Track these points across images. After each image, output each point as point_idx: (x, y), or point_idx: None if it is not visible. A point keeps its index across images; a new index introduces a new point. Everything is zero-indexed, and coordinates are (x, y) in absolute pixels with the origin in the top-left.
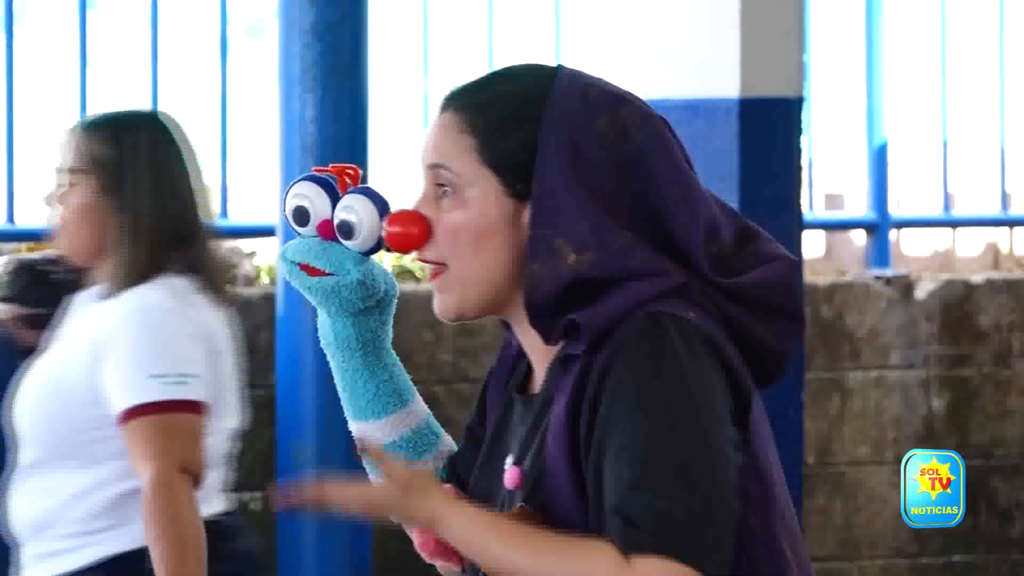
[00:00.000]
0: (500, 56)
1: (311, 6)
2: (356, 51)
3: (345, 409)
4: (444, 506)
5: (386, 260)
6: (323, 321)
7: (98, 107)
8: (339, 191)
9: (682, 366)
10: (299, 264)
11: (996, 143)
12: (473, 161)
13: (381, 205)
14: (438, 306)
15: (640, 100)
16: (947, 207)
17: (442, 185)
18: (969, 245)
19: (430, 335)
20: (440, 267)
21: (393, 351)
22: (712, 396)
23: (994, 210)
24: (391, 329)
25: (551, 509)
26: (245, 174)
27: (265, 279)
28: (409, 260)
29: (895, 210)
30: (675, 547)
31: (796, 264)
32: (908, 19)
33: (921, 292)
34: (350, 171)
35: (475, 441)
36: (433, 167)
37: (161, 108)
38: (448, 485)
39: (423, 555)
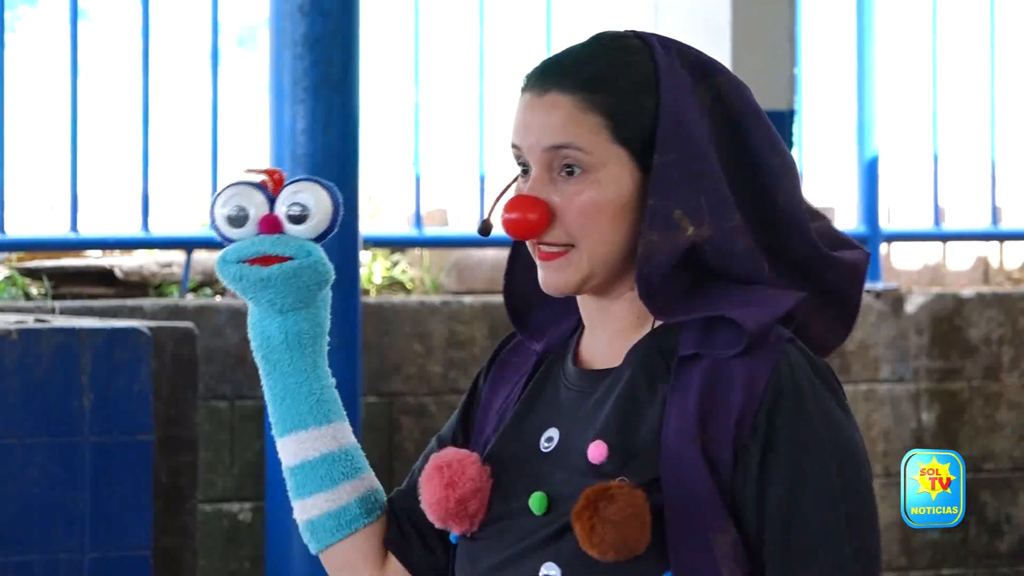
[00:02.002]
0: (491, 67)
1: (302, 18)
2: (347, 63)
3: (280, 421)
4: None
5: (376, 271)
6: (266, 323)
7: (90, 118)
8: (269, 190)
9: (849, 421)
10: (249, 260)
11: (987, 157)
12: (605, 140)
13: (329, 188)
14: (555, 281)
15: (727, 68)
16: (937, 221)
17: (567, 166)
18: (959, 259)
19: (420, 347)
20: (564, 248)
21: None
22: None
23: (984, 224)
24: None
25: (680, 488)
26: None
27: None
28: (400, 272)
29: (885, 223)
30: None
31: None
32: (899, 32)
33: (911, 306)
34: (276, 175)
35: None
36: (557, 148)
37: (152, 118)
38: None
39: (433, 516)
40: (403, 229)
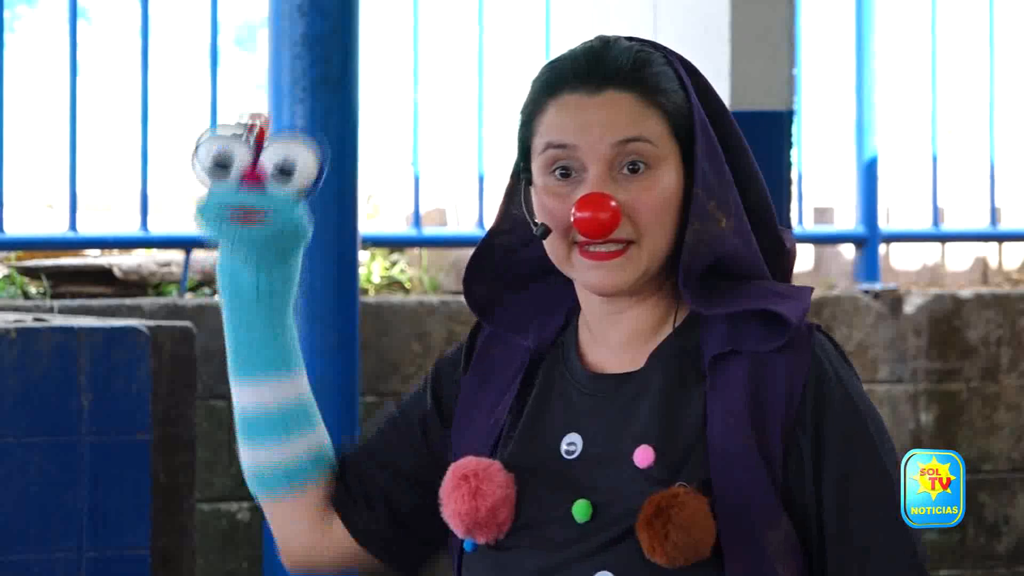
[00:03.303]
0: (490, 67)
1: (301, 17)
2: (346, 62)
3: (240, 366)
4: None
5: (375, 271)
6: (238, 275)
7: (88, 117)
8: (255, 140)
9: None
10: (232, 210)
11: (986, 158)
12: (667, 136)
13: (314, 146)
14: (614, 280)
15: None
16: (936, 221)
17: (634, 162)
18: (958, 259)
19: (418, 346)
20: (624, 245)
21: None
22: None
23: (983, 225)
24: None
25: (733, 487)
26: None
27: None
28: (398, 272)
29: (884, 224)
30: None
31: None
32: (898, 33)
33: (910, 306)
34: (259, 119)
35: (422, 428)
36: (627, 142)
37: (151, 117)
38: None
39: (460, 527)
40: (402, 229)
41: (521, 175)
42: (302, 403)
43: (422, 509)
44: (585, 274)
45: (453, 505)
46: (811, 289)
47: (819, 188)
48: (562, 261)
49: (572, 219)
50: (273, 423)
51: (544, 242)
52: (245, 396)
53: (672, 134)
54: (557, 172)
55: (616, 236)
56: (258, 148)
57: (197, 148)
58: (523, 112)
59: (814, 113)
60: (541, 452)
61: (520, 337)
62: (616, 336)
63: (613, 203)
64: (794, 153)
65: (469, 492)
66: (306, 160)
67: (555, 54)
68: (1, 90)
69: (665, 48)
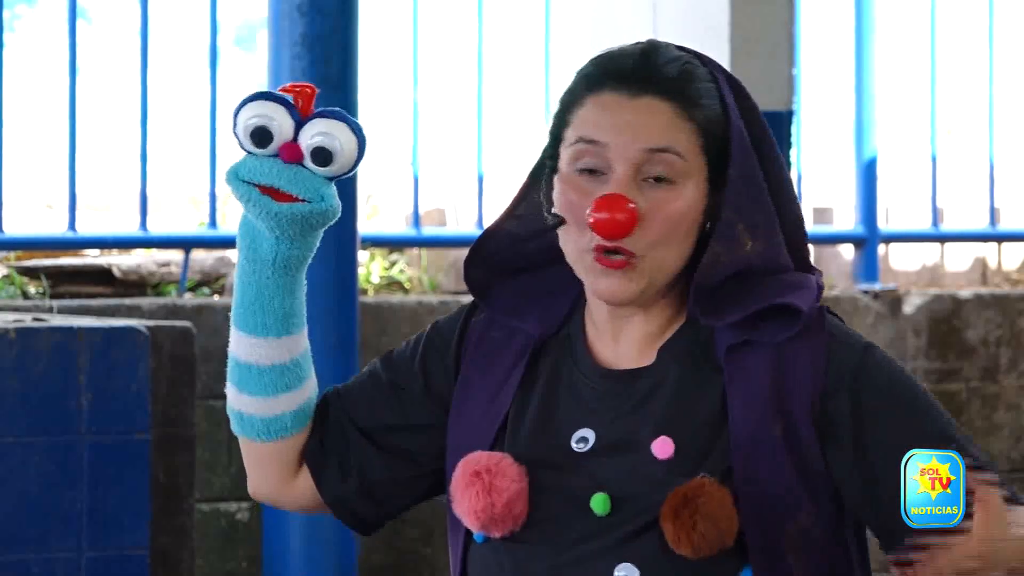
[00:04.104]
0: (490, 67)
1: (301, 17)
2: (346, 63)
3: (242, 318)
4: None
5: (374, 271)
6: (260, 242)
7: (88, 117)
8: (299, 113)
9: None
10: (261, 186)
11: (985, 158)
12: (697, 152)
13: (359, 132)
14: (619, 290)
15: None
16: (936, 222)
17: (659, 171)
18: (957, 260)
19: None
20: (630, 256)
21: None
22: None
23: (983, 225)
24: None
25: (756, 476)
26: None
27: None
28: (398, 272)
29: (883, 224)
30: None
31: None
32: (898, 33)
33: (909, 307)
34: (307, 90)
35: (405, 396)
36: (656, 151)
37: (150, 117)
38: None
39: (474, 523)
40: (401, 229)
41: (547, 162)
42: (296, 361)
43: (394, 480)
44: (595, 280)
45: (467, 502)
46: (820, 273)
47: (818, 188)
48: (575, 260)
49: (589, 219)
50: (264, 379)
51: (558, 233)
52: (242, 347)
53: (703, 151)
54: (583, 167)
55: (626, 247)
56: (300, 120)
57: (238, 111)
58: (561, 101)
59: (813, 113)
60: (551, 446)
61: (519, 321)
62: (624, 336)
63: (630, 205)
64: (793, 153)
65: (483, 488)
66: (347, 143)
67: (555, 55)
68: (1, 90)
69: (713, 63)
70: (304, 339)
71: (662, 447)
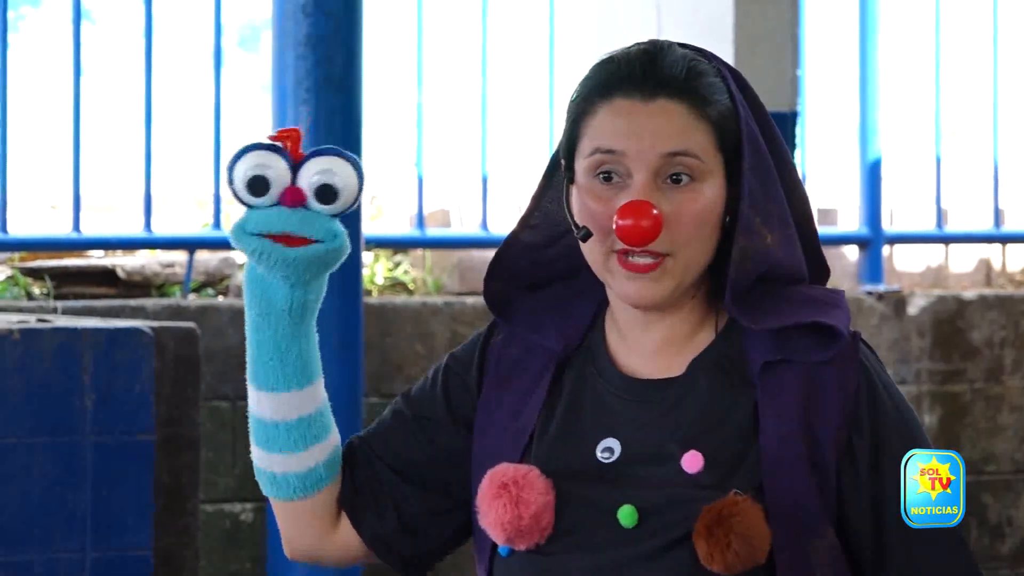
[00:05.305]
0: (494, 68)
1: (305, 18)
2: (349, 63)
3: (260, 375)
4: None
5: (378, 272)
6: (272, 291)
7: (92, 118)
8: (291, 157)
9: None
10: (273, 236)
11: (989, 159)
12: (713, 149)
13: (356, 165)
14: (651, 293)
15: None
16: (940, 223)
17: (678, 174)
18: (962, 261)
19: (422, 348)
20: (659, 257)
21: None
22: None
23: (987, 226)
24: None
25: (785, 495)
26: None
27: None
28: (402, 273)
29: (888, 225)
30: None
31: None
32: (903, 34)
33: (913, 308)
34: (294, 133)
35: (431, 427)
36: (674, 155)
37: (154, 118)
38: None
39: (500, 535)
40: (405, 230)
41: (564, 172)
42: (319, 411)
43: (430, 513)
44: (622, 285)
45: (494, 514)
46: (843, 292)
47: (823, 189)
48: (599, 267)
49: (614, 226)
50: (292, 434)
51: (582, 244)
52: (264, 406)
53: (718, 147)
54: (601, 176)
55: (654, 248)
56: (296, 161)
57: (232, 166)
58: (572, 109)
59: (818, 114)
60: (576, 456)
61: (539, 336)
62: (650, 343)
63: (655, 211)
64: (797, 154)
65: (511, 501)
66: (348, 177)
67: (559, 57)
68: (5, 91)
69: (717, 58)
70: (323, 388)
71: (691, 461)
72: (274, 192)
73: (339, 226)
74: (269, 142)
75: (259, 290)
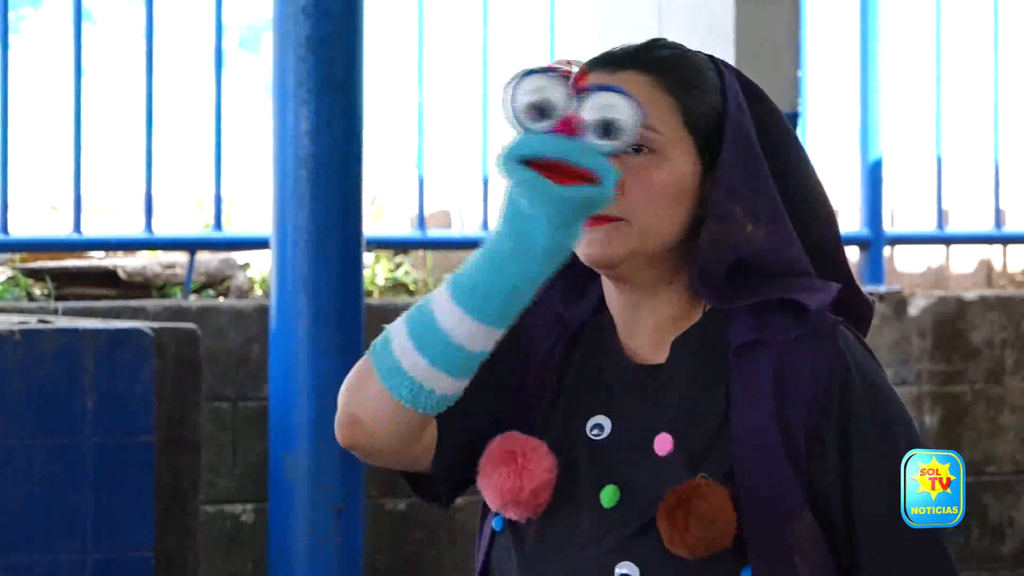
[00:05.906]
0: (495, 69)
1: (306, 19)
2: (350, 64)
3: (477, 300)
4: None
5: (379, 273)
6: (535, 230)
7: (93, 119)
8: (571, 83)
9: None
10: (544, 164)
11: (990, 160)
12: (677, 122)
13: (636, 101)
14: (600, 250)
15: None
16: (941, 224)
17: (637, 144)
18: (963, 262)
19: None
20: (616, 219)
21: None
22: None
23: (988, 227)
24: None
25: (757, 479)
26: (239, 186)
27: (258, 291)
28: (403, 274)
29: (889, 226)
30: None
31: None
32: (903, 35)
33: (914, 308)
34: (584, 65)
35: (501, 378)
36: None
37: (155, 119)
38: None
39: (497, 502)
40: (406, 231)
41: None
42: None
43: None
44: (584, 244)
45: (497, 479)
46: (840, 286)
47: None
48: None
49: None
50: (470, 364)
51: None
52: (462, 328)
53: (685, 125)
54: None
55: (607, 211)
56: (576, 91)
57: (515, 88)
58: None
59: (819, 115)
60: (574, 432)
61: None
62: (639, 327)
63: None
64: None
65: (516, 471)
66: (630, 118)
67: (559, 53)
68: (6, 92)
69: (719, 60)
70: None
71: (661, 444)
72: (552, 119)
73: (612, 166)
74: (553, 66)
75: (521, 227)
